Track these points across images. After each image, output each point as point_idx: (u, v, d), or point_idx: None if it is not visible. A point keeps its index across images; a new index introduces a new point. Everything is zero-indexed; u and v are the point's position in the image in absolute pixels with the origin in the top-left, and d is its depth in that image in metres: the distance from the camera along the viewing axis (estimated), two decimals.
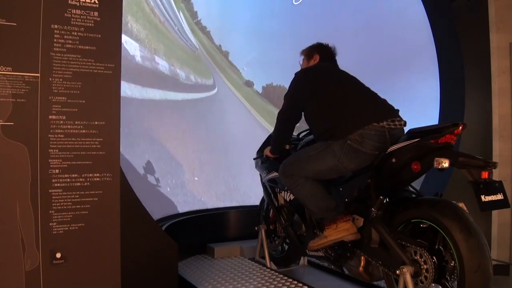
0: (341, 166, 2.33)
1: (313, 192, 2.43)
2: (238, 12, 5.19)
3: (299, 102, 2.54)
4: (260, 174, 3.32)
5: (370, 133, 2.25)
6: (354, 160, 2.29)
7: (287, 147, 2.92)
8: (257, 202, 3.59)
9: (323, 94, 2.45)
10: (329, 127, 2.36)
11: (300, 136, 3.06)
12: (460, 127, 1.98)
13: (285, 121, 2.65)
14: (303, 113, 2.58)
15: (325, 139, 2.39)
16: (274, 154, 2.92)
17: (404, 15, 4.48)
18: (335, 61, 2.76)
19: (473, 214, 1.95)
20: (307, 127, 2.90)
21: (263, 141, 3.32)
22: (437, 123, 3.86)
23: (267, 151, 2.98)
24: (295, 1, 4.98)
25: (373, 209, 2.19)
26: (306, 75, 2.57)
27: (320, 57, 2.73)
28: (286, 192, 2.99)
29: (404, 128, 2.34)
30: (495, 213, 3.45)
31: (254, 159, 3.36)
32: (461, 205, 2.00)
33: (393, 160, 2.15)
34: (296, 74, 2.62)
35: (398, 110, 2.38)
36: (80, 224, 1.90)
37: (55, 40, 1.87)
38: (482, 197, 1.88)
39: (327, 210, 2.37)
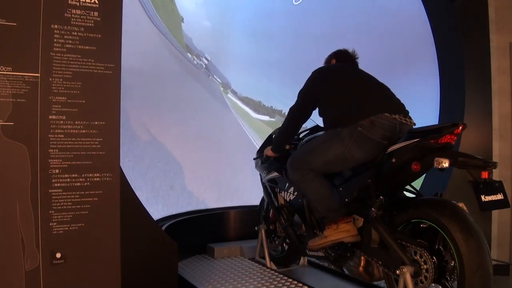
0: (349, 155, 2.32)
1: (319, 190, 2.43)
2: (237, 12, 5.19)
3: (311, 99, 2.57)
4: (260, 174, 3.32)
5: (381, 122, 2.26)
6: (363, 148, 2.28)
7: (287, 147, 2.92)
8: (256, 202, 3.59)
9: (336, 87, 2.48)
10: (339, 114, 2.38)
11: (300, 136, 3.06)
12: (460, 127, 1.98)
13: (295, 118, 2.68)
14: (317, 109, 2.60)
15: (334, 126, 2.39)
16: (276, 152, 2.91)
17: (404, 15, 4.48)
18: (355, 62, 2.80)
19: (473, 214, 1.95)
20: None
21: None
22: (437, 123, 3.86)
23: (267, 151, 2.97)
24: (295, 1, 4.98)
25: (373, 209, 2.18)
26: (320, 74, 2.61)
27: (337, 60, 2.79)
28: (286, 192, 2.99)
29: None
30: (495, 212, 3.45)
31: (254, 159, 3.35)
32: (461, 205, 2.01)
33: (393, 160, 2.15)
34: (313, 72, 2.65)
35: (408, 112, 2.41)
36: (80, 224, 1.90)
37: (55, 40, 1.86)
38: (482, 197, 1.88)
39: (329, 210, 2.37)
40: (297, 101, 2.63)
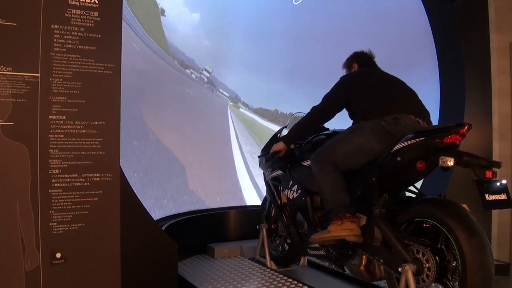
0: (368, 146, 2.35)
1: (334, 183, 2.45)
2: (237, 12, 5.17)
3: (336, 105, 2.65)
4: (263, 173, 3.33)
5: (406, 121, 2.30)
6: (382, 142, 2.31)
7: (292, 146, 2.94)
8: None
9: (363, 92, 2.54)
10: (364, 110, 2.44)
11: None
12: (466, 127, 2.00)
13: (317, 117, 2.74)
14: (347, 112, 2.66)
15: (359, 120, 2.45)
16: (287, 144, 2.94)
17: (404, 15, 4.48)
18: (374, 63, 2.84)
19: (473, 214, 1.96)
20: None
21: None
22: (437, 123, 3.86)
23: (276, 146, 2.98)
24: (295, 1, 4.97)
25: (376, 206, 2.18)
26: (343, 85, 2.67)
27: (358, 64, 2.83)
28: (289, 190, 2.99)
29: None
30: (495, 212, 3.45)
31: (258, 157, 3.36)
32: (464, 205, 2.01)
33: (398, 159, 2.15)
34: (340, 78, 2.72)
35: (432, 122, 2.46)
36: (80, 224, 1.90)
37: (55, 40, 1.86)
38: (486, 196, 1.89)
39: (339, 203, 2.38)
40: (321, 103, 2.69)
